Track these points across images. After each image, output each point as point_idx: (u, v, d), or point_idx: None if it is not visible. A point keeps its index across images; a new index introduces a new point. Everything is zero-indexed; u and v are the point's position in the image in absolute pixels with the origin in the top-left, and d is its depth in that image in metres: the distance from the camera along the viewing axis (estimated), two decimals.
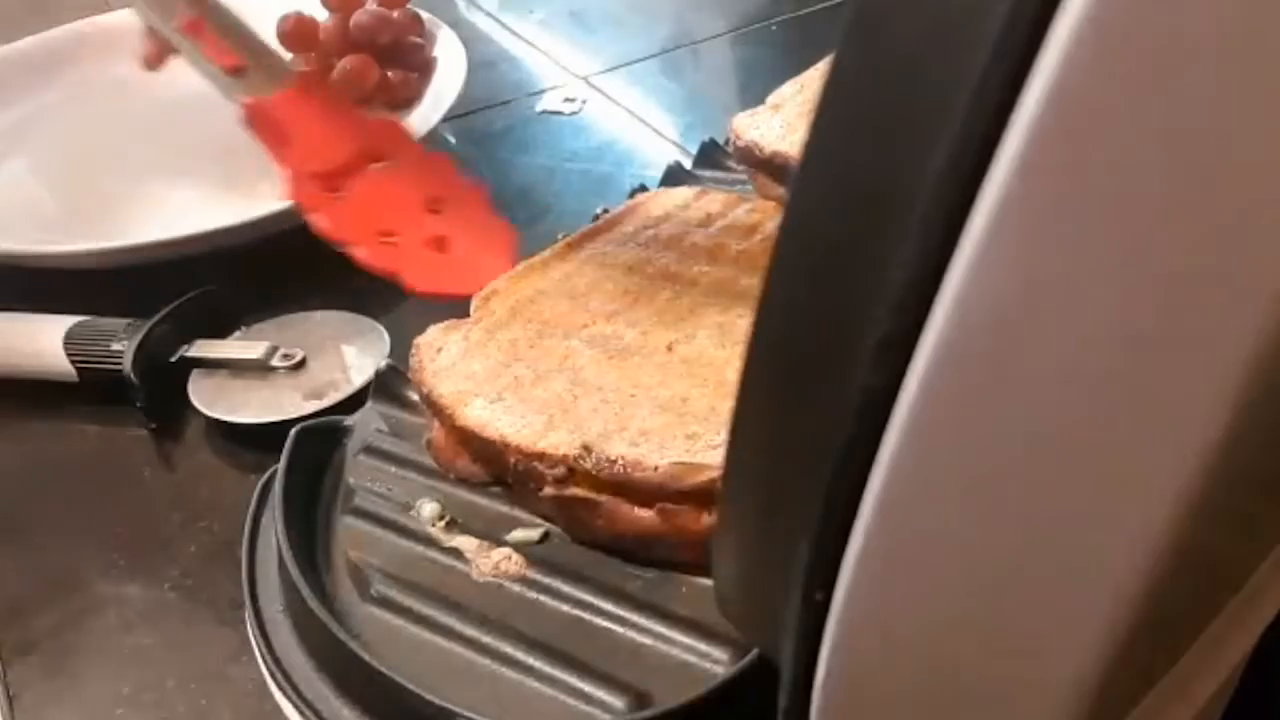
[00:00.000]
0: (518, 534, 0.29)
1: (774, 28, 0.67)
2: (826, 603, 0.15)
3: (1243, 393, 0.11)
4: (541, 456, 0.27)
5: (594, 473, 0.27)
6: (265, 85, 0.40)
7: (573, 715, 0.25)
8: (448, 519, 0.30)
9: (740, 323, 0.30)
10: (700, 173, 0.47)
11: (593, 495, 0.27)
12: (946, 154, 0.11)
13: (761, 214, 0.38)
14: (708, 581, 0.27)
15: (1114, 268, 0.11)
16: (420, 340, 0.32)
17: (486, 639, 0.26)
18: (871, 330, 0.12)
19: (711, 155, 0.49)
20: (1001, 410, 0.12)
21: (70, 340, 0.40)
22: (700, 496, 0.26)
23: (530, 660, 0.26)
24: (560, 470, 0.27)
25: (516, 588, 0.28)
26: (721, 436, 0.24)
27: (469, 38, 0.58)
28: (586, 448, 0.27)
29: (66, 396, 0.40)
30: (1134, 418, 0.12)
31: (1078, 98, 0.10)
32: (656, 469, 0.26)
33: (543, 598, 0.28)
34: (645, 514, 0.27)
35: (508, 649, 0.26)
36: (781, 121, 0.42)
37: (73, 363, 0.40)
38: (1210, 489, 0.12)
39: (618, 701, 0.25)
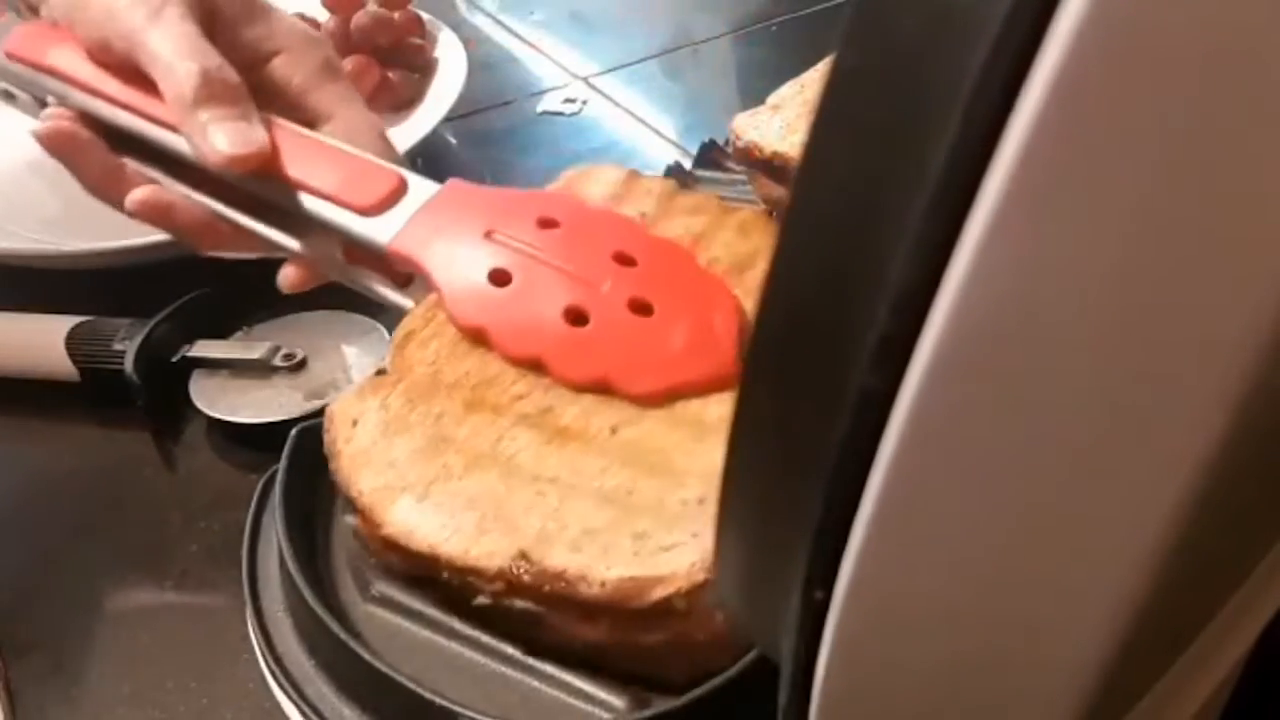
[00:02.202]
0: None
1: (774, 28, 0.67)
2: (826, 602, 0.15)
3: (1243, 391, 0.11)
4: (476, 572, 0.24)
5: (533, 585, 0.24)
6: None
7: (573, 714, 0.25)
8: None
9: (692, 403, 0.27)
10: (700, 173, 0.48)
11: (533, 607, 0.24)
12: (947, 153, 0.11)
13: (708, 215, 0.33)
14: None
15: (1115, 267, 0.11)
16: (333, 410, 0.29)
17: (487, 638, 0.26)
18: (871, 330, 0.12)
19: (711, 156, 0.49)
20: (1001, 410, 0.12)
21: (72, 340, 0.40)
22: (654, 613, 0.23)
23: (531, 659, 0.26)
24: (498, 585, 0.24)
25: None
26: (673, 536, 0.23)
27: (469, 39, 0.59)
28: (524, 556, 0.24)
29: (68, 397, 0.41)
30: (1134, 417, 0.12)
31: (1079, 97, 0.10)
32: (604, 584, 0.23)
33: None
34: (592, 628, 0.24)
35: (508, 648, 0.26)
36: (781, 122, 0.42)
37: (74, 363, 0.40)
38: (1211, 487, 0.12)
39: (618, 701, 0.25)
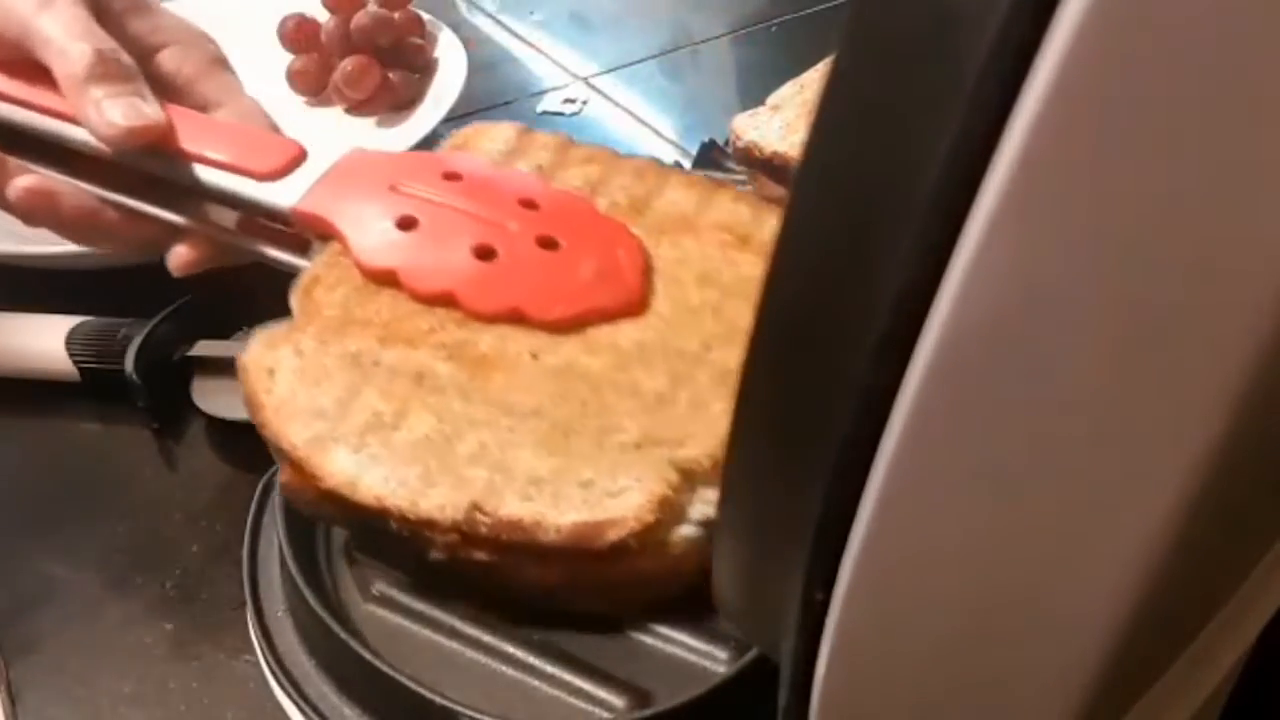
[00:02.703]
0: None
1: (774, 29, 0.67)
2: (826, 602, 0.15)
3: (1243, 390, 0.11)
4: (430, 524, 0.24)
5: (489, 536, 0.24)
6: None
7: (573, 714, 0.25)
8: None
9: (603, 329, 0.27)
10: (700, 173, 0.48)
11: (489, 558, 0.24)
12: (947, 154, 0.11)
13: (602, 164, 0.33)
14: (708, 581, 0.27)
15: (1114, 267, 0.11)
16: (246, 361, 0.27)
17: (487, 638, 0.26)
18: (871, 330, 0.12)
19: (711, 156, 0.49)
20: (1001, 409, 0.12)
21: (72, 340, 0.40)
22: (608, 554, 0.23)
23: (531, 659, 0.26)
24: (453, 537, 0.24)
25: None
26: (618, 483, 0.24)
27: (469, 39, 0.59)
28: (477, 508, 0.24)
29: (68, 396, 0.41)
30: (1133, 417, 0.12)
31: (1077, 98, 0.10)
32: (559, 530, 0.23)
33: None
34: (546, 571, 0.24)
35: (508, 648, 0.26)
36: (781, 122, 0.42)
37: (75, 363, 0.40)
38: (1210, 486, 0.12)
39: (618, 700, 0.25)
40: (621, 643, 0.26)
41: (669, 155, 0.53)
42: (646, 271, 0.29)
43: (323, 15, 0.57)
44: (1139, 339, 0.11)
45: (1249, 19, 0.10)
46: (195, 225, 0.34)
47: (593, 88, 0.62)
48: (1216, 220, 0.11)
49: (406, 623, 0.27)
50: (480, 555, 0.24)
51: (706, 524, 0.24)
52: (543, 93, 0.62)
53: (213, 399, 0.38)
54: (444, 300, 0.28)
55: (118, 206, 0.35)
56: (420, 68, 0.57)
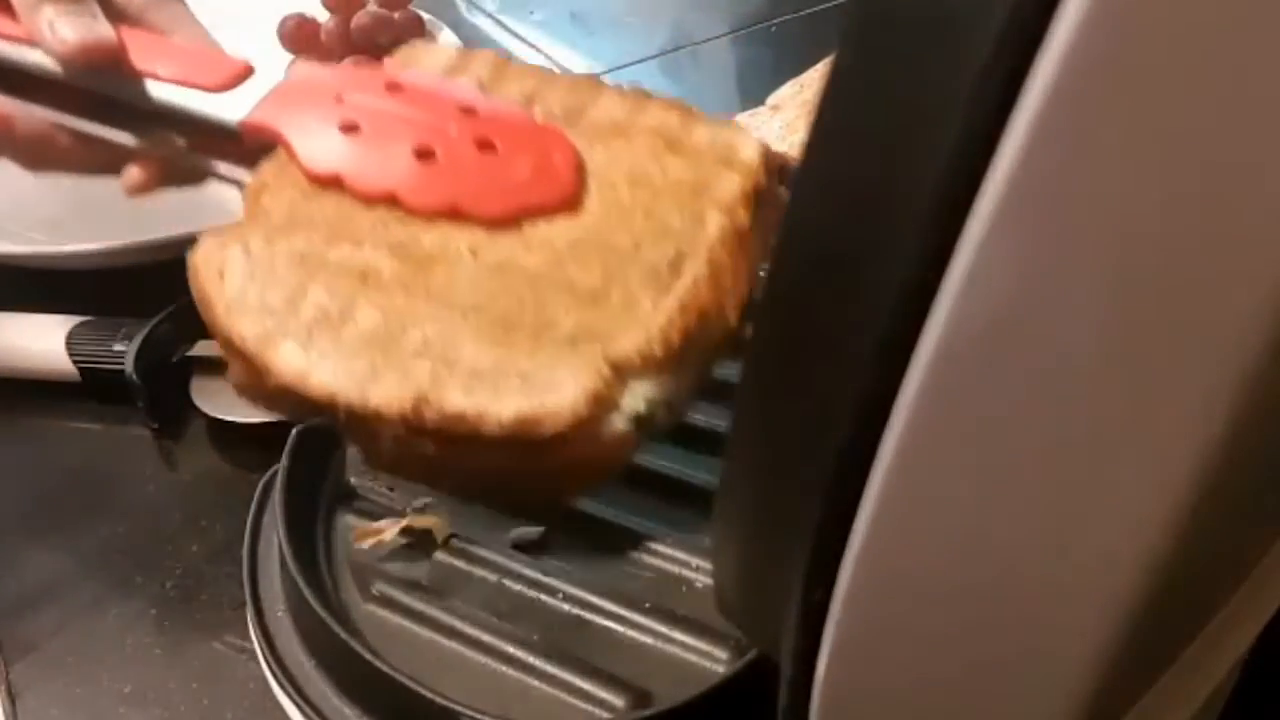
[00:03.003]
0: (517, 533, 0.29)
1: (774, 29, 0.67)
2: (826, 602, 0.15)
3: (1243, 390, 0.11)
4: (376, 416, 0.25)
5: (434, 428, 0.25)
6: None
7: (573, 714, 0.25)
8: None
9: (539, 227, 0.28)
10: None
11: (434, 448, 0.25)
12: (947, 155, 0.11)
13: (538, 79, 0.34)
14: (708, 581, 0.27)
15: (1113, 269, 0.11)
16: (196, 261, 0.28)
17: (488, 638, 0.26)
18: (872, 330, 0.12)
19: None
20: (1000, 411, 0.12)
21: (72, 341, 0.40)
22: (549, 445, 0.24)
23: (531, 659, 0.26)
24: (399, 429, 0.25)
25: (517, 587, 0.28)
26: (555, 375, 0.24)
27: (469, 39, 0.59)
28: (423, 400, 0.24)
29: (68, 397, 0.41)
30: (1134, 419, 0.12)
31: (1079, 97, 0.10)
32: (501, 423, 0.24)
33: (543, 597, 0.28)
34: (487, 461, 0.25)
35: (508, 648, 0.26)
36: (781, 122, 0.42)
37: (75, 363, 0.40)
38: (1211, 487, 0.12)
39: (618, 700, 0.25)
40: (621, 642, 0.26)
41: None
42: (580, 172, 0.30)
43: (323, 15, 0.57)
44: (1139, 340, 0.11)
45: (1250, 17, 0.10)
46: (147, 146, 0.35)
47: None
48: (1217, 219, 0.11)
49: (407, 623, 0.27)
50: (425, 446, 0.25)
51: (637, 418, 0.25)
52: None
53: (212, 399, 0.38)
54: (387, 199, 0.29)
55: (71, 130, 0.35)
56: None
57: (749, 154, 0.29)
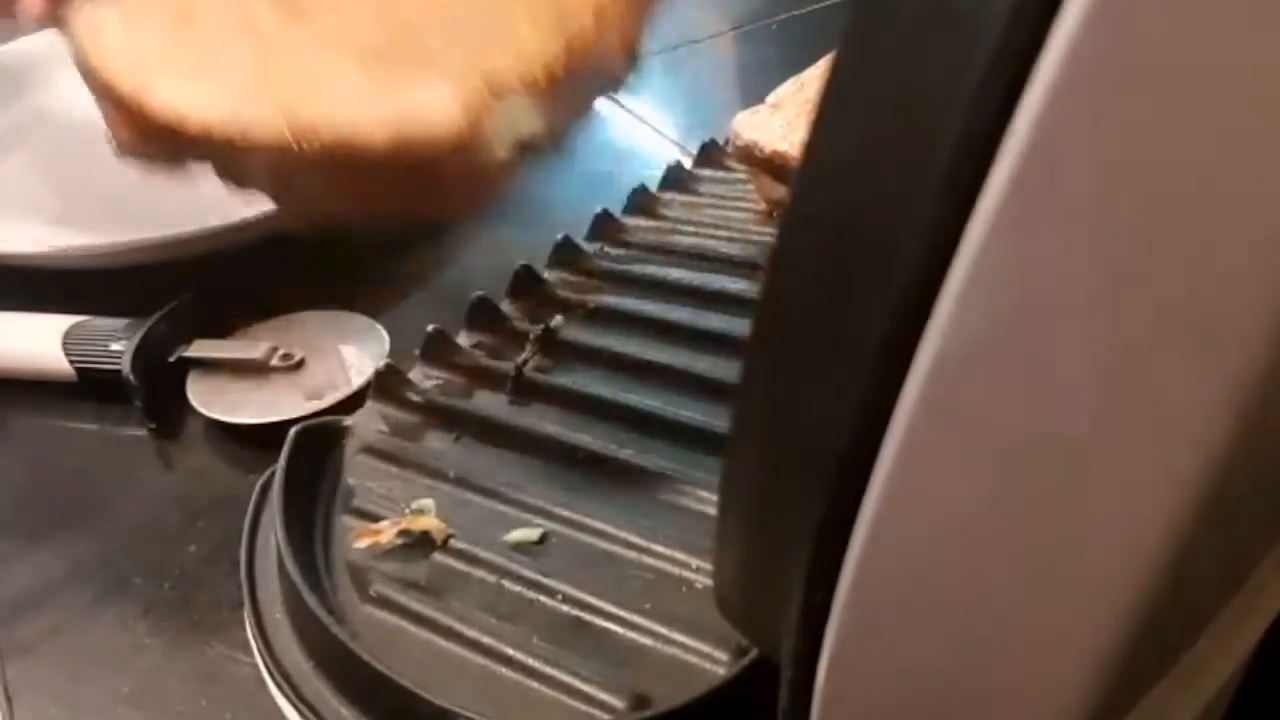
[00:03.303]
0: (516, 534, 0.29)
1: (774, 27, 0.67)
2: (827, 603, 0.15)
3: (1247, 393, 0.11)
4: (253, 144, 0.25)
5: (313, 151, 0.25)
6: None
7: (572, 715, 0.25)
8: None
9: None
10: (700, 172, 0.48)
11: (314, 174, 0.26)
12: (949, 153, 0.11)
13: None
14: (708, 581, 0.27)
15: (1119, 269, 0.11)
16: (74, 24, 0.28)
17: (486, 639, 0.26)
18: (872, 331, 0.12)
19: (711, 155, 0.49)
20: (1001, 412, 0.12)
21: (69, 340, 0.40)
22: (426, 162, 0.25)
23: (530, 660, 0.26)
24: (274, 156, 0.25)
25: (516, 588, 0.28)
26: (433, 96, 0.24)
27: None
28: (301, 125, 0.25)
29: (65, 397, 0.40)
30: (1135, 423, 0.12)
31: (1081, 97, 0.10)
32: (377, 140, 0.25)
33: (542, 598, 0.28)
34: (369, 183, 0.26)
35: (507, 649, 0.26)
36: (782, 121, 0.42)
37: (71, 363, 0.40)
38: (1213, 489, 0.12)
39: (618, 702, 0.25)
40: (621, 643, 0.26)
41: (670, 153, 0.53)
42: None
43: None
44: (1142, 343, 0.11)
45: (1251, 26, 0.10)
46: None
47: None
48: (1222, 226, 0.11)
49: (405, 624, 0.27)
50: (305, 174, 0.26)
51: (518, 144, 0.26)
52: None
53: (209, 399, 0.38)
54: None
55: None
56: None
57: None
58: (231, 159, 0.26)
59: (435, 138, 0.24)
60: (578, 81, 0.26)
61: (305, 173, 0.25)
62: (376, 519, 0.30)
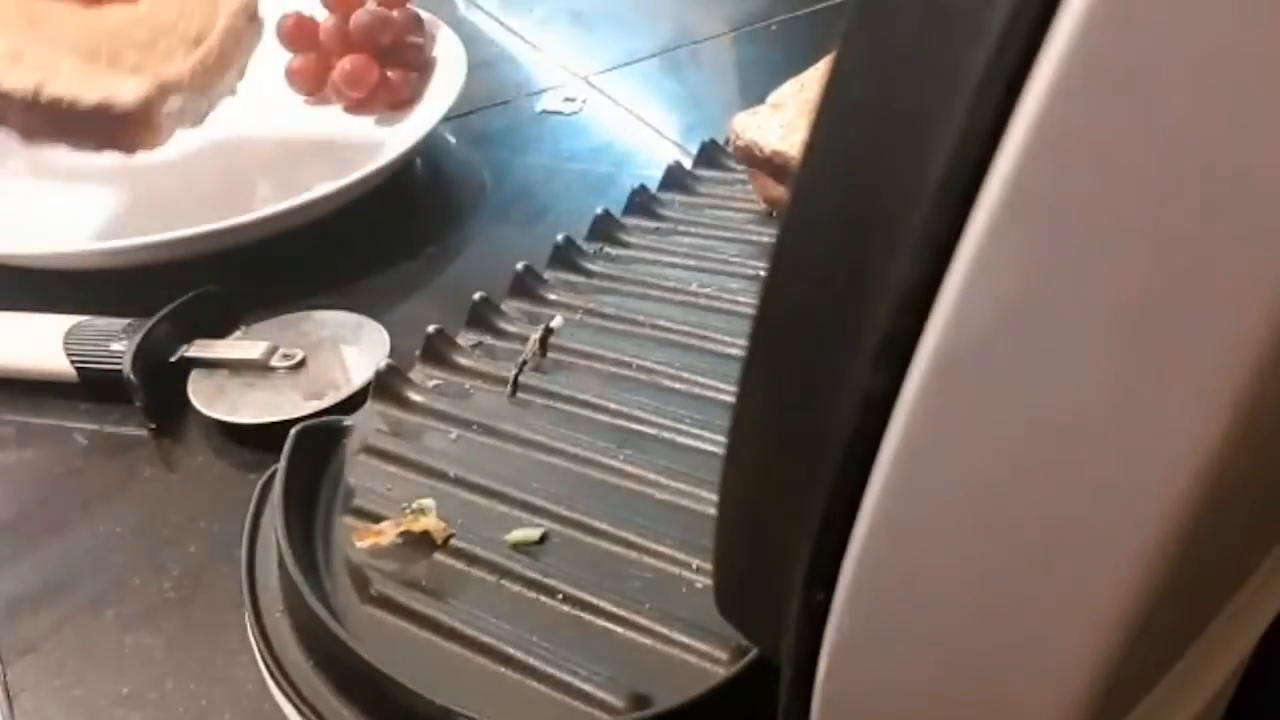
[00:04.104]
0: (517, 534, 0.29)
1: (774, 27, 0.67)
2: (827, 603, 0.15)
3: (1246, 393, 0.11)
4: (8, 97, 0.40)
5: (46, 106, 0.40)
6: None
7: (573, 715, 0.25)
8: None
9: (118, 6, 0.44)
10: (700, 172, 0.48)
11: (48, 123, 0.41)
12: (948, 153, 0.11)
13: None
14: (708, 581, 0.27)
15: (1117, 267, 0.11)
16: None
17: (486, 639, 0.26)
18: (872, 330, 0.12)
19: (711, 155, 0.49)
20: (1001, 409, 0.12)
21: (70, 340, 0.40)
22: (120, 121, 0.41)
23: (530, 660, 0.26)
24: (21, 107, 0.41)
25: (516, 587, 0.28)
26: (127, 84, 0.40)
27: (469, 37, 0.58)
28: (39, 88, 0.40)
29: (66, 397, 0.40)
30: (1133, 423, 0.12)
31: (1081, 96, 0.10)
32: (87, 103, 0.40)
33: (542, 597, 0.28)
34: (84, 135, 0.42)
35: (508, 649, 0.26)
36: (782, 121, 0.42)
37: (72, 363, 0.40)
38: (1213, 488, 0.12)
39: (617, 701, 0.25)
40: (621, 643, 0.26)
41: (670, 153, 0.53)
42: None
43: (322, 13, 0.57)
44: (1140, 341, 0.11)
45: (1253, 21, 0.10)
46: None
47: (593, 86, 0.62)
48: (1222, 225, 0.11)
49: (405, 623, 0.27)
50: (39, 119, 0.41)
51: (178, 112, 0.42)
52: (542, 91, 0.62)
53: (210, 399, 0.38)
54: None
55: None
56: (419, 66, 0.57)
57: None
58: None
59: (126, 106, 0.40)
60: (212, 77, 0.44)
61: (40, 119, 0.41)
62: (377, 519, 0.30)
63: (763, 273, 0.14)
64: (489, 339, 0.37)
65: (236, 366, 0.39)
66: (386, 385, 0.35)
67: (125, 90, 0.41)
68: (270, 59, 0.56)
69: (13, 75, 0.40)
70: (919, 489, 0.13)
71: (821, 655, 0.15)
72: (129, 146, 0.42)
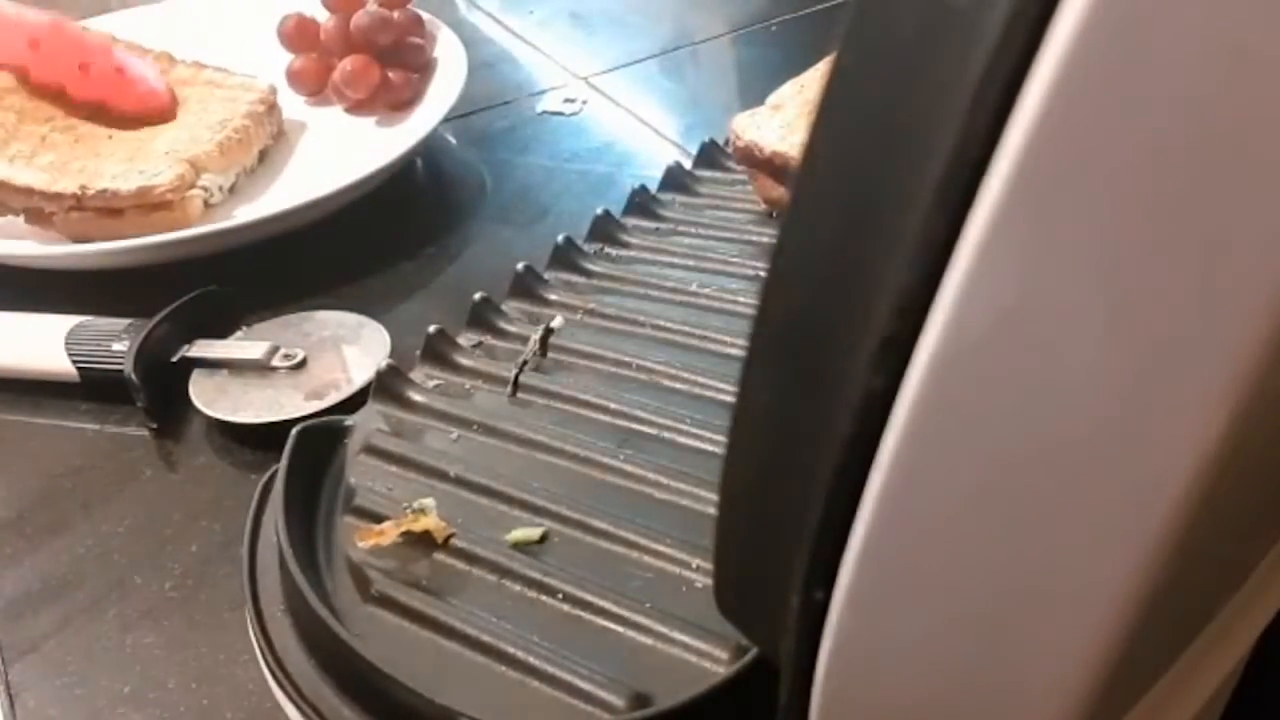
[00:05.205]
0: (517, 533, 0.29)
1: (774, 28, 0.67)
2: (826, 603, 0.15)
3: (1244, 393, 0.11)
4: (58, 198, 0.46)
5: (90, 201, 0.46)
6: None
7: (573, 715, 0.25)
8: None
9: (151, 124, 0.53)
10: (700, 173, 0.48)
11: (93, 214, 0.47)
12: (947, 153, 0.11)
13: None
14: (708, 581, 0.27)
15: (1114, 272, 0.11)
16: None
17: (487, 638, 0.26)
18: (872, 330, 0.12)
19: (711, 155, 0.49)
20: (1000, 410, 0.12)
21: (71, 341, 0.40)
22: (156, 204, 0.47)
23: (530, 660, 0.26)
24: (71, 203, 0.46)
25: (517, 587, 0.28)
26: (159, 170, 0.47)
27: (469, 38, 0.59)
28: (83, 187, 0.46)
29: (67, 397, 0.41)
30: (1133, 422, 0.12)
31: (1080, 97, 0.10)
32: (128, 193, 0.46)
33: (543, 597, 0.28)
34: (125, 221, 0.47)
35: (508, 649, 0.26)
36: (781, 122, 0.42)
37: (74, 363, 0.40)
38: (1211, 487, 0.12)
39: (617, 701, 0.25)
40: (621, 643, 0.26)
41: (670, 154, 0.53)
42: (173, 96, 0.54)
43: (322, 14, 0.57)
44: (1140, 340, 0.11)
45: (1252, 21, 0.10)
46: None
47: (593, 87, 0.62)
48: (1221, 227, 0.11)
49: (406, 623, 0.27)
50: (86, 220, 0.46)
51: (205, 191, 0.48)
52: (542, 92, 0.62)
53: (211, 399, 0.38)
54: (58, 93, 0.52)
55: None
56: (420, 67, 0.57)
57: (262, 84, 0.54)
58: (39, 207, 0.47)
59: (160, 191, 0.46)
60: (237, 160, 0.50)
61: (85, 218, 0.46)
62: (378, 518, 0.30)
63: (763, 273, 0.14)
64: (489, 339, 0.37)
65: (238, 366, 0.39)
66: (387, 385, 0.35)
67: (161, 175, 0.47)
68: (271, 59, 0.57)
69: (63, 182, 0.46)
70: (918, 489, 0.13)
71: (821, 655, 0.15)
72: (166, 226, 0.46)
